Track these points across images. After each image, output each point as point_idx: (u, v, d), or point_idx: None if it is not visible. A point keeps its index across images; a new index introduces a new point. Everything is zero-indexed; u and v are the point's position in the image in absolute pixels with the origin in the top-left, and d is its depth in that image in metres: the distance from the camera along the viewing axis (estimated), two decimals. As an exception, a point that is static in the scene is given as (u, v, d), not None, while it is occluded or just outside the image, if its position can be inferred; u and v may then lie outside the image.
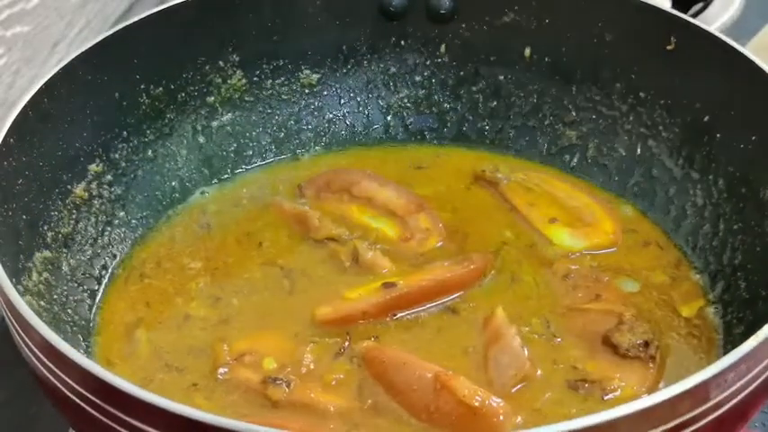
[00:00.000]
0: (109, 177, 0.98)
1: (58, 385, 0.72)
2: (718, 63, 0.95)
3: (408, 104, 1.10)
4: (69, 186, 0.94)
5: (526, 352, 0.83)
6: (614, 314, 0.87)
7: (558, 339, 0.86)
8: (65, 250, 0.91)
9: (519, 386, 0.82)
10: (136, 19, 0.98)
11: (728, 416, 0.70)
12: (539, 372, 0.83)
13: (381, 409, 0.80)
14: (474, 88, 1.09)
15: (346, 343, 0.86)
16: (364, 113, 1.10)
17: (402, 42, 1.09)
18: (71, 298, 0.89)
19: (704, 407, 0.68)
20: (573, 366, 0.84)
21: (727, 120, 0.95)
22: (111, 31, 0.97)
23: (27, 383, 0.94)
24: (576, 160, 1.05)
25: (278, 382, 0.81)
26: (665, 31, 0.98)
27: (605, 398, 0.82)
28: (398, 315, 0.88)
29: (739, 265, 0.90)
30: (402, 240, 0.96)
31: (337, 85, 1.09)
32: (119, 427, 0.68)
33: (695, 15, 1.25)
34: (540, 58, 1.06)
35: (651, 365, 0.84)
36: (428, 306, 0.89)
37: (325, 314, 0.88)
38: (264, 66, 1.07)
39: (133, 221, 0.98)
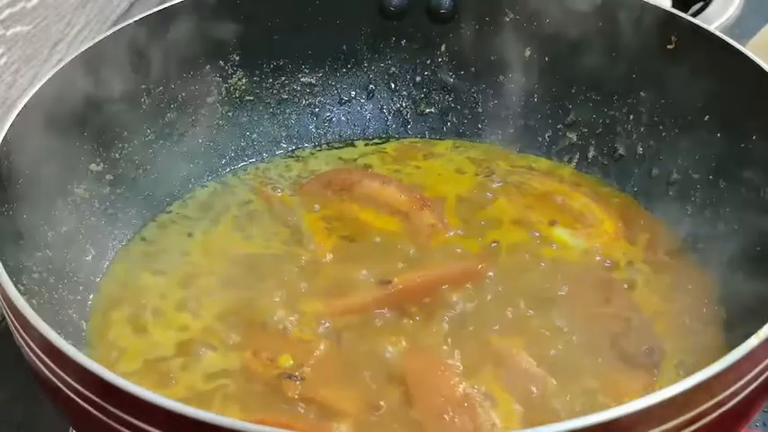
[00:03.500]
0: (109, 177, 0.98)
1: (59, 384, 0.72)
2: (718, 63, 0.95)
3: (408, 104, 1.10)
4: (69, 186, 0.94)
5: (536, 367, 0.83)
6: (621, 319, 0.87)
7: (563, 343, 0.86)
8: (65, 250, 0.91)
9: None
10: (136, 19, 0.98)
11: (729, 415, 0.70)
12: (544, 375, 0.83)
13: (389, 412, 0.80)
14: (474, 88, 1.09)
15: (339, 343, 0.85)
16: (364, 113, 1.10)
17: (402, 42, 1.09)
18: (71, 297, 0.89)
19: (704, 406, 0.68)
20: (578, 371, 0.84)
21: (727, 120, 0.95)
22: (111, 31, 0.97)
23: (27, 383, 0.94)
24: (576, 160, 1.05)
25: (292, 378, 0.81)
26: (665, 30, 0.98)
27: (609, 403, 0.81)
28: (397, 313, 0.88)
29: (739, 265, 0.90)
30: (406, 237, 0.96)
31: (337, 85, 1.10)
32: (119, 426, 0.68)
33: (695, 15, 1.26)
34: (540, 58, 1.06)
35: (655, 371, 0.84)
36: (427, 305, 0.89)
37: (323, 312, 0.88)
38: (264, 66, 1.07)
39: (133, 220, 0.99)
